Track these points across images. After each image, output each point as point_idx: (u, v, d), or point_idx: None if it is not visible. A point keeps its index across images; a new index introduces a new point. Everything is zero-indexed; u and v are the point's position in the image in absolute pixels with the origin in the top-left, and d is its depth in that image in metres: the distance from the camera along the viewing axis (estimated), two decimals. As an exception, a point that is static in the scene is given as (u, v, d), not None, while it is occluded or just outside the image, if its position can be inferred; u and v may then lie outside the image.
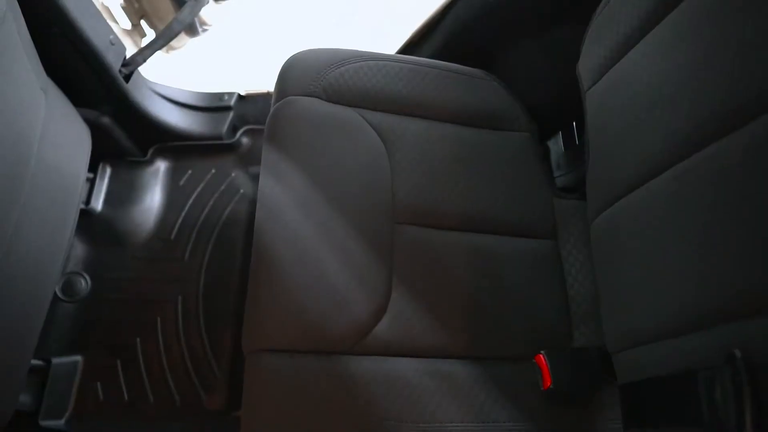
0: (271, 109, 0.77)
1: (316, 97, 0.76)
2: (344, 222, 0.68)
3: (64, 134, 0.88)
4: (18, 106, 0.76)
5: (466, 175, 0.75)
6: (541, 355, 0.66)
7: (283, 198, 0.69)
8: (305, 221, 0.67)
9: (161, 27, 1.12)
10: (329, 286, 0.64)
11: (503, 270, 0.71)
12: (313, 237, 0.66)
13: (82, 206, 1.04)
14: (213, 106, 1.11)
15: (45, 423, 0.90)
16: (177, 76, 1.18)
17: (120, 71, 0.95)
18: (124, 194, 1.07)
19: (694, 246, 0.52)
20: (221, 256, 1.04)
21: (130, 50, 0.99)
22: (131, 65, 0.97)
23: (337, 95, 0.77)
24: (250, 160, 1.11)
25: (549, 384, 0.64)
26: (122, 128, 1.03)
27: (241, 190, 1.09)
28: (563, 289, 0.73)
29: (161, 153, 1.11)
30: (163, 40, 0.98)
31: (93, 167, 1.08)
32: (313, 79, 0.77)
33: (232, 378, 0.96)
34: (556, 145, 0.87)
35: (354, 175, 0.71)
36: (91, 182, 1.07)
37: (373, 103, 0.77)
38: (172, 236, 1.06)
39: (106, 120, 1.00)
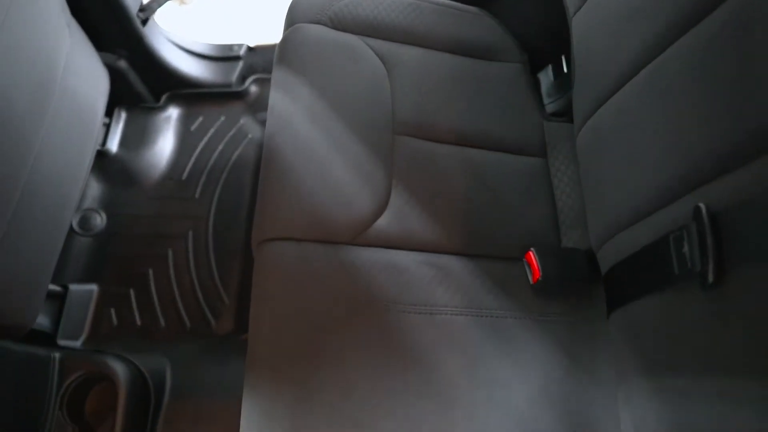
0: (281, 36, 0.82)
1: (323, 24, 0.82)
2: (348, 130, 0.73)
3: (85, 69, 0.93)
4: (46, 32, 0.81)
5: (461, 97, 0.81)
6: (530, 252, 0.71)
7: (291, 109, 0.74)
8: (312, 128, 0.72)
9: (175, -19, 1.18)
10: (334, 183, 0.70)
11: (495, 180, 0.76)
12: (320, 141, 0.72)
13: (99, 147, 1.09)
14: (223, 56, 1.17)
15: (63, 343, 0.95)
16: (189, 30, 1.24)
17: (137, 15, 1.01)
18: (138, 138, 1.13)
19: (666, 129, 0.57)
20: (230, 194, 1.10)
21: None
22: (147, 11, 1.03)
23: (342, 24, 0.82)
24: (258, 107, 1.17)
25: (538, 277, 0.69)
26: (137, 73, 1.09)
27: (250, 135, 1.14)
28: (552, 201, 0.78)
29: (173, 100, 1.16)
30: (177, -12, 1.04)
31: (109, 113, 1.13)
32: (321, 9, 0.83)
33: (239, 305, 1.01)
34: (547, 77, 0.92)
35: (357, 92, 0.77)
36: (107, 127, 1.13)
37: (375, 31, 0.83)
38: (184, 177, 1.11)
39: (122, 64, 1.06)
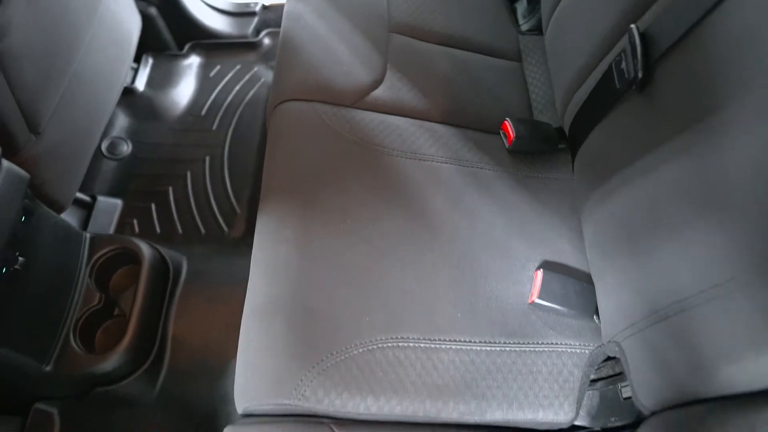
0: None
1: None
2: (350, 24, 0.86)
3: (123, 3, 1.08)
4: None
5: (447, 10, 0.95)
6: (506, 121, 0.82)
7: (303, 9, 0.88)
8: (319, 21, 0.86)
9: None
10: (338, 60, 0.82)
11: (477, 72, 0.89)
12: (326, 30, 0.85)
13: (127, 85, 1.23)
14: (241, 11, 1.33)
15: (89, 242, 1.05)
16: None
17: (169, -33, 1.17)
18: (162, 80, 1.27)
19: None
20: (244, 127, 1.22)
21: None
22: (178, -35, 1.19)
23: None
24: (270, 57, 1.31)
25: (511, 140, 0.80)
26: (165, 21, 1.24)
27: (263, 79, 1.28)
28: (526, 94, 0.90)
29: (195, 49, 1.31)
30: (204, -53, 1.20)
31: (137, 59, 1.28)
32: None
33: (250, 216, 1.11)
34: (522, 4, 1.06)
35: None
36: (135, 71, 1.27)
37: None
38: (203, 113, 1.24)
39: (152, 10, 1.21)
